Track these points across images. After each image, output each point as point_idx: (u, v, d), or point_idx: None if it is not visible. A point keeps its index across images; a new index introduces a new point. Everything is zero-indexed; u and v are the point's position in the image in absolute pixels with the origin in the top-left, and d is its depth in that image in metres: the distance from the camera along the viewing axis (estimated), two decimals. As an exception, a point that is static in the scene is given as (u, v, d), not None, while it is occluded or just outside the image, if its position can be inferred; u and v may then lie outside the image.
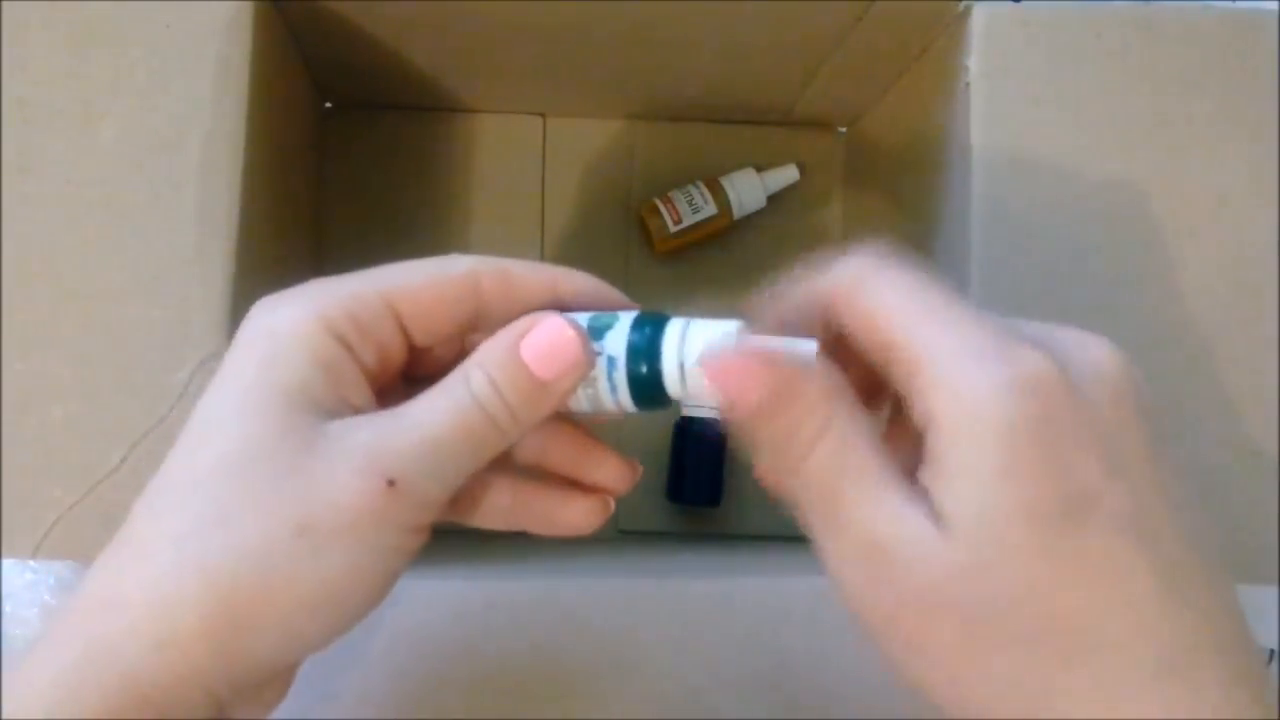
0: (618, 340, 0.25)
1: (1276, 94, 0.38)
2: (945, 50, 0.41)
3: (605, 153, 0.57)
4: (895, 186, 0.50)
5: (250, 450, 0.23)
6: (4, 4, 0.35)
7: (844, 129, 0.58)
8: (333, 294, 0.24)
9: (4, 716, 0.22)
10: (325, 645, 0.24)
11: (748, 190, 0.55)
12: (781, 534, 0.56)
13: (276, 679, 0.25)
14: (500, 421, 0.24)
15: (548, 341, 0.25)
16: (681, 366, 0.24)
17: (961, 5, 0.39)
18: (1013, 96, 0.38)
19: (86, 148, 0.35)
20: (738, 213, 0.55)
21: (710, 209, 0.55)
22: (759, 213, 0.56)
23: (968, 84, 0.38)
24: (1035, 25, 0.38)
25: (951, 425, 0.21)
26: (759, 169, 0.56)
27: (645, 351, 0.24)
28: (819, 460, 0.22)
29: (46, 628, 0.23)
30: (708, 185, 0.55)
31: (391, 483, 0.23)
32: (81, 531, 0.34)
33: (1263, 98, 0.38)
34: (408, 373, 0.27)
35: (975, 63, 0.38)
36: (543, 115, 0.56)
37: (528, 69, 0.49)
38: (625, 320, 0.25)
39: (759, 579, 0.36)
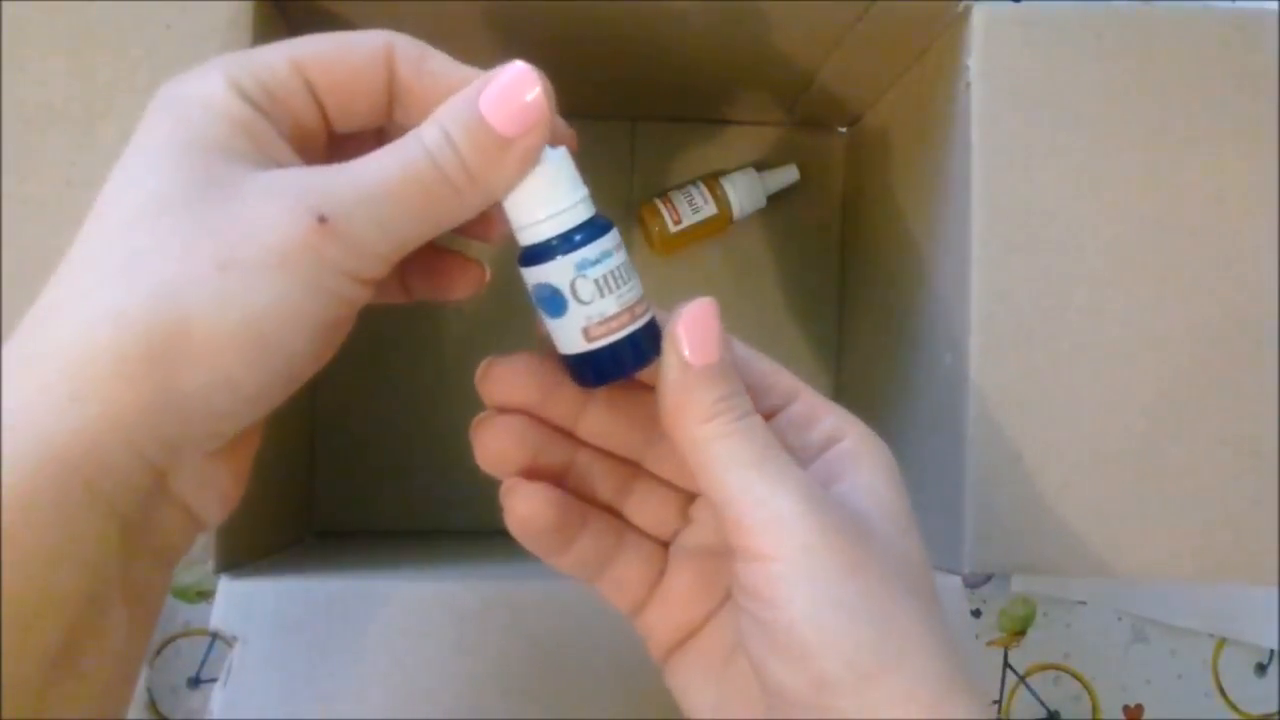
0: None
1: (1276, 94, 0.38)
2: (945, 50, 0.41)
3: (605, 153, 0.57)
4: (895, 187, 0.50)
5: (167, 196, 0.21)
6: (4, 4, 0.35)
7: (844, 129, 0.58)
8: (240, 62, 0.23)
9: None
10: (262, 400, 0.22)
11: (748, 190, 0.55)
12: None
13: (221, 454, 0.23)
14: (454, 179, 0.23)
15: (510, 90, 0.23)
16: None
17: (961, 5, 0.39)
18: (1013, 96, 0.38)
19: (86, 148, 0.35)
20: (738, 213, 0.55)
21: (710, 209, 0.55)
22: (759, 213, 0.56)
23: (968, 84, 0.38)
24: (1035, 25, 0.38)
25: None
26: (759, 169, 0.56)
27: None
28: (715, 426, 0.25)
29: None
30: (708, 185, 0.55)
31: (323, 219, 0.21)
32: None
33: (1263, 98, 0.38)
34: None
35: (975, 63, 0.38)
36: (543, 115, 0.56)
37: (528, 69, 0.49)
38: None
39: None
